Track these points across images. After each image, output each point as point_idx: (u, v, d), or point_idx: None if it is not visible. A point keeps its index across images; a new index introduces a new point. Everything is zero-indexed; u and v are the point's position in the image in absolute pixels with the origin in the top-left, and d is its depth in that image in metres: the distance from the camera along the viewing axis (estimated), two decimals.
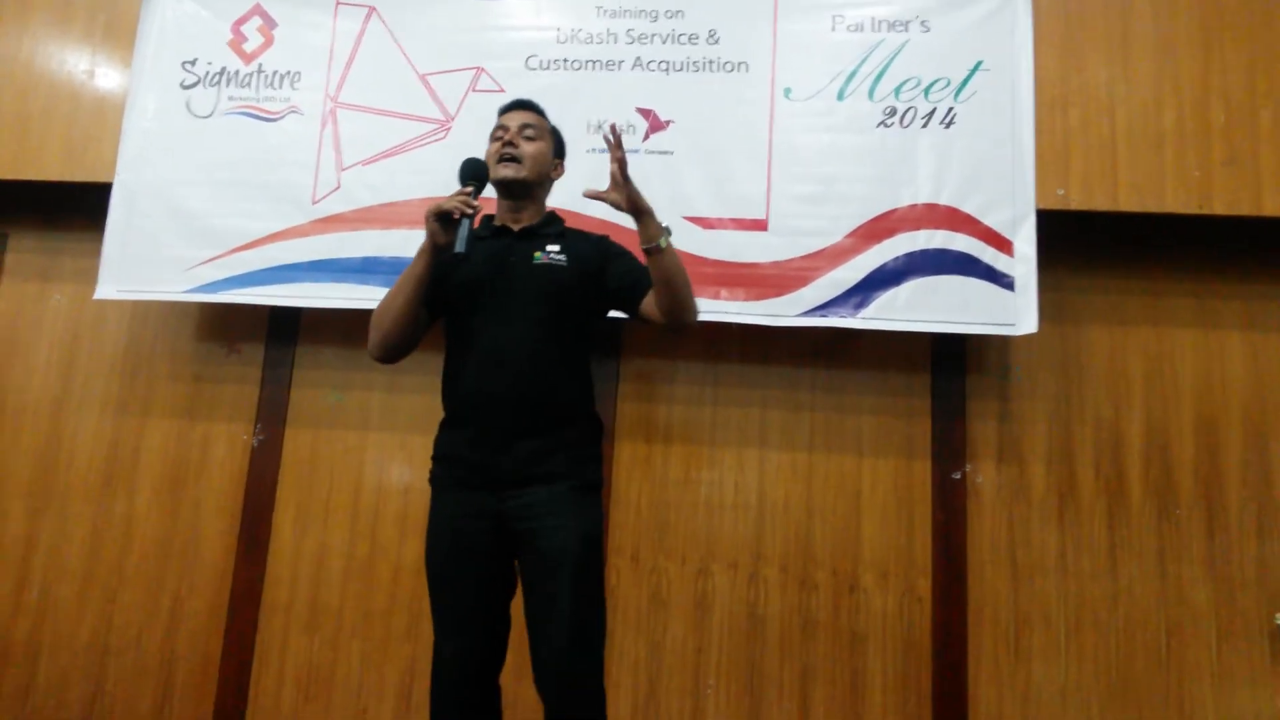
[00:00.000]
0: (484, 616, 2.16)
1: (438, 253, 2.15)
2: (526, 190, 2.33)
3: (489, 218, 2.38)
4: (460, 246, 2.08)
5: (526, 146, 2.31)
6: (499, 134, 2.34)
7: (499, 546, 2.16)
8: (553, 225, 2.37)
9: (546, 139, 2.38)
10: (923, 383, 3.39)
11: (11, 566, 3.52)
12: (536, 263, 2.25)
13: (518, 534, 2.13)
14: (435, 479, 2.26)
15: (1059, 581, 3.22)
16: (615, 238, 2.48)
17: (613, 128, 2.11)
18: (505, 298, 2.21)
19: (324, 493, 3.45)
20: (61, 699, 3.41)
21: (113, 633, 3.44)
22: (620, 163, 2.09)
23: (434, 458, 2.28)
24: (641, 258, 2.17)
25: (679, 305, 2.15)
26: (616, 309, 2.35)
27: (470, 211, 2.10)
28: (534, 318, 2.19)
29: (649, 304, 2.23)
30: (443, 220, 2.12)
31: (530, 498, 2.13)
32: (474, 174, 2.22)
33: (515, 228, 2.33)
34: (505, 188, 2.32)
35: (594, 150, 3.30)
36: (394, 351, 2.27)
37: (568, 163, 3.32)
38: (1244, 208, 3.13)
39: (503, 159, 2.29)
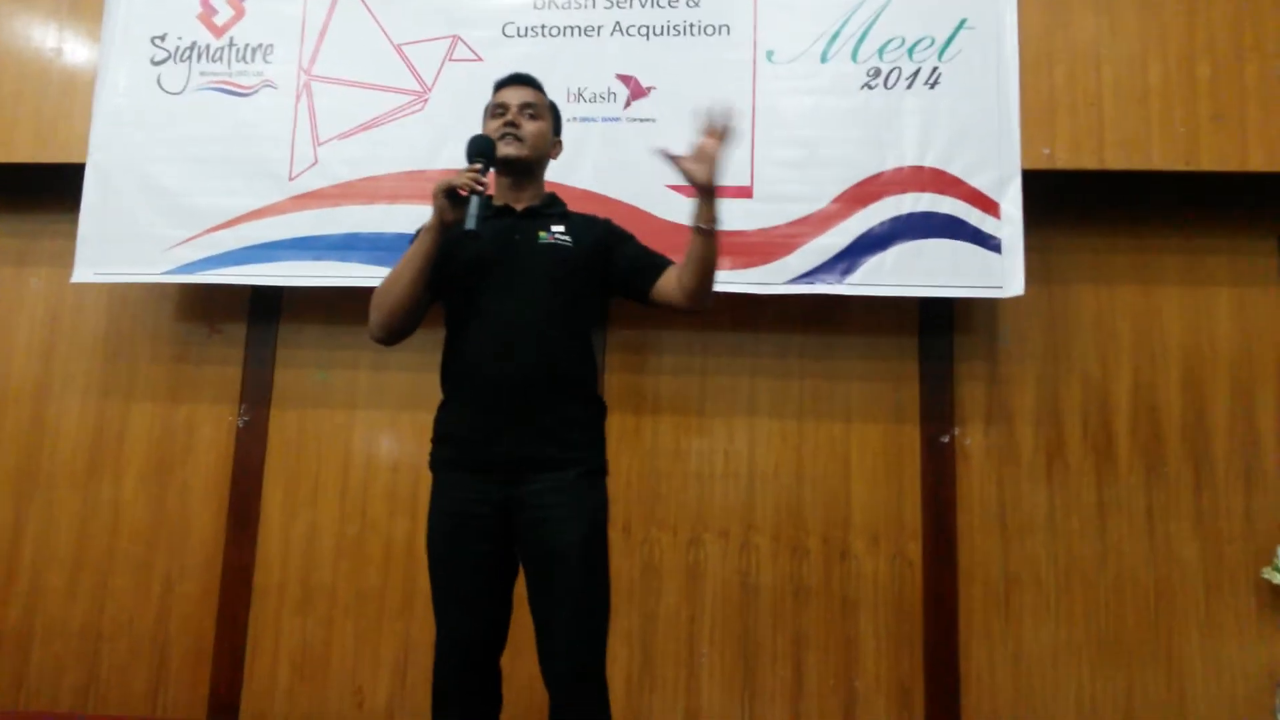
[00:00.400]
0: (485, 601, 2.14)
1: (445, 230, 2.10)
2: (528, 169, 2.29)
3: (488, 197, 2.33)
4: (470, 224, 2.01)
5: (528, 125, 2.26)
6: (499, 111, 2.29)
7: (502, 531, 2.12)
8: (555, 206, 2.33)
9: (547, 117, 2.33)
10: (910, 346, 3.38)
11: (0, 555, 3.50)
12: (542, 242, 2.21)
13: (524, 520, 2.10)
14: (436, 460, 2.21)
15: (1048, 541, 3.24)
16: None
17: (726, 113, 2.09)
18: (511, 276, 2.16)
19: (312, 472, 3.43)
20: (56, 686, 3.41)
21: (105, 618, 3.43)
22: (719, 139, 2.06)
23: (435, 438, 2.23)
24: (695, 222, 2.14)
25: (706, 287, 2.15)
26: (624, 293, 2.31)
27: (480, 188, 2.04)
28: (540, 298, 2.15)
29: (664, 287, 2.21)
30: (451, 197, 2.06)
31: (537, 484, 2.09)
32: (481, 151, 2.15)
33: (518, 207, 2.28)
34: (507, 166, 2.26)
35: (575, 119, 3.25)
36: (397, 334, 2.21)
37: None
38: (1231, 163, 3.11)
39: (504, 137, 2.23)
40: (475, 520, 2.11)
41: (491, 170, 2.18)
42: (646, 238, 3.10)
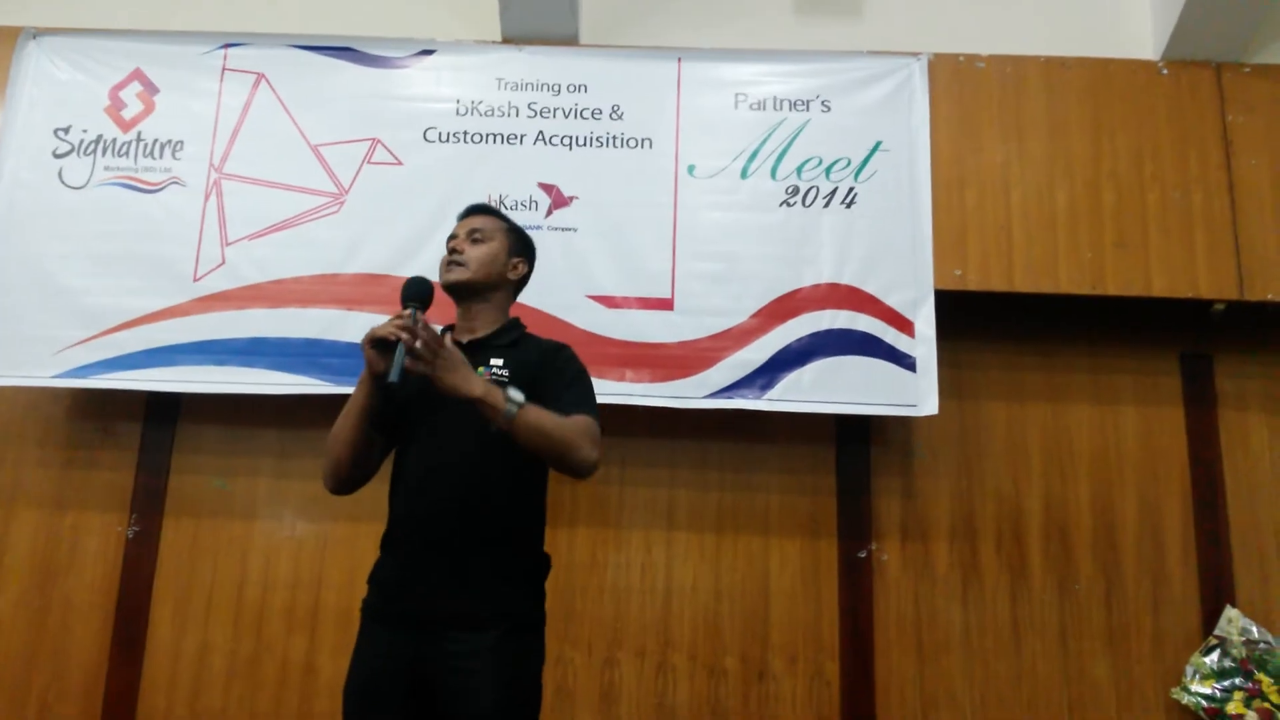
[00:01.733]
0: None
1: (377, 381, 1.98)
2: (475, 293, 2.18)
3: (450, 327, 2.23)
4: (393, 376, 1.87)
5: (471, 250, 2.17)
6: (448, 241, 2.22)
7: (416, 691, 1.96)
8: (507, 335, 2.19)
9: (499, 239, 2.22)
10: (827, 457, 3.38)
11: None
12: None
13: (441, 684, 1.93)
14: (363, 605, 2.08)
15: (964, 660, 3.22)
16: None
17: (411, 314, 1.92)
18: (440, 419, 2.04)
19: (205, 587, 3.24)
20: None
21: None
22: (414, 352, 1.86)
23: (367, 580, 2.10)
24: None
25: (562, 464, 1.97)
26: None
27: (405, 336, 1.88)
28: (471, 439, 2.00)
29: None
30: (378, 347, 1.94)
31: (456, 645, 1.92)
32: (415, 294, 2.01)
33: (465, 339, 2.15)
34: (452, 293, 2.17)
35: None
36: (348, 483, 2.12)
37: None
38: (1135, 288, 3.22)
39: (448, 264, 2.17)
40: (384, 679, 1.96)
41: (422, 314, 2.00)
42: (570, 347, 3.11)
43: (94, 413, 3.39)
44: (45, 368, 3.13)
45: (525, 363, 2.10)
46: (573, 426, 1.96)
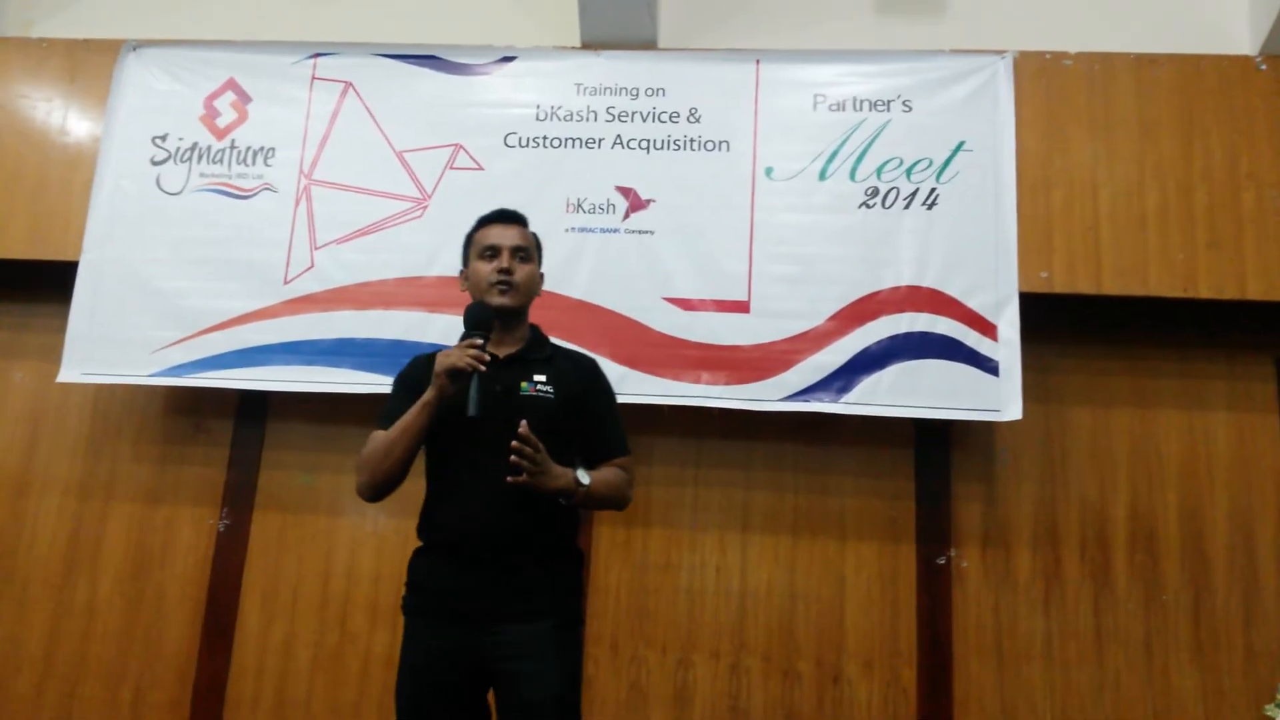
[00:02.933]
0: None
1: (442, 406, 2.07)
2: (519, 316, 2.25)
3: (486, 339, 2.22)
4: (473, 410, 2.01)
5: (521, 271, 2.21)
6: (488, 254, 2.23)
7: (473, 684, 2.06)
8: (539, 349, 2.25)
9: (535, 256, 2.29)
10: (906, 460, 3.34)
11: None
12: (523, 394, 2.14)
13: (496, 674, 2.05)
14: (409, 607, 2.16)
15: (1045, 670, 3.16)
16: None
17: (482, 345, 2.07)
18: (491, 431, 2.07)
19: (292, 580, 3.35)
20: None
21: None
22: (528, 469, 2.00)
23: (408, 584, 2.18)
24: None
25: (615, 509, 2.32)
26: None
27: (483, 368, 2.00)
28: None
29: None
30: (453, 375, 2.03)
31: (511, 636, 2.03)
32: (480, 323, 2.11)
33: (501, 354, 2.20)
34: (500, 315, 2.20)
35: (573, 230, 3.26)
36: (384, 494, 2.19)
37: (547, 241, 3.29)
38: (1228, 291, 3.12)
39: (499, 286, 2.19)
40: (443, 674, 2.05)
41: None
42: (642, 349, 3.16)
43: (188, 410, 3.51)
44: (142, 367, 3.26)
45: (564, 376, 2.22)
46: (620, 482, 2.21)
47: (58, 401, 3.56)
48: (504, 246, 2.22)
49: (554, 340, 2.34)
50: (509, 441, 1.99)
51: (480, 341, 2.05)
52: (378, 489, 2.15)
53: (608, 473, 2.18)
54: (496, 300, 2.18)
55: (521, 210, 3.16)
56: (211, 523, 3.41)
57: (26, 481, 3.52)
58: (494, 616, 2.05)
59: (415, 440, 2.10)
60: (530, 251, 2.27)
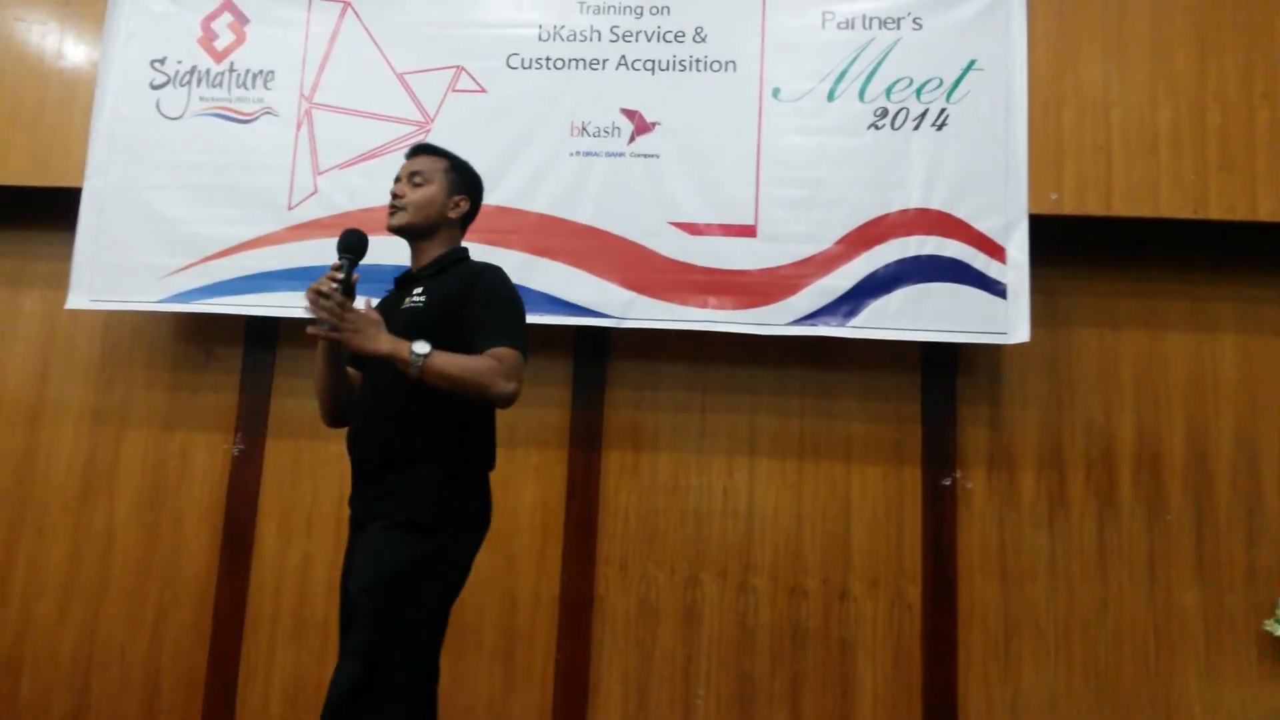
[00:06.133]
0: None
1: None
2: (419, 234, 2.33)
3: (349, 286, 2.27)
4: (324, 327, 2.06)
5: (411, 194, 2.31)
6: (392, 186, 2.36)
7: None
8: (437, 264, 2.32)
9: (438, 180, 2.33)
10: (912, 385, 3.35)
11: None
12: (403, 309, 2.25)
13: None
14: None
15: (1049, 588, 3.21)
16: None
17: (344, 265, 2.11)
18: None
19: (307, 503, 3.40)
20: (46, 713, 3.37)
21: (96, 646, 3.40)
22: (327, 311, 2.04)
23: None
24: None
25: (475, 398, 2.13)
26: None
27: (336, 286, 2.06)
28: (385, 366, 2.12)
29: None
30: (320, 297, 2.08)
31: (360, 540, 2.20)
32: (347, 246, 2.16)
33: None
34: (398, 235, 2.34)
35: (578, 153, 3.23)
36: (339, 414, 2.36)
37: (553, 165, 3.24)
38: (1239, 212, 3.09)
39: (389, 208, 2.32)
40: (344, 582, 2.23)
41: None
42: (648, 274, 3.15)
43: (198, 337, 3.53)
44: (150, 293, 3.26)
45: (446, 289, 2.24)
46: (479, 366, 2.10)
47: (67, 329, 3.58)
48: (401, 176, 2.35)
49: (473, 260, 2.36)
50: (389, 361, 2.08)
51: (341, 264, 2.12)
52: (324, 413, 2.37)
53: (468, 357, 2.11)
54: (388, 223, 2.31)
55: (525, 133, 3.18)
56: (226, 448, 3.45)
57: (40, 409, 3.56)
58: (360, 523, 2.23)
59: (323, 363, 2.27)
60: (429, 176, 2.33)
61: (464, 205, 2.37)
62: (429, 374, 2.05)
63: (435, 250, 2.34)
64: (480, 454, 2.26)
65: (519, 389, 2.13)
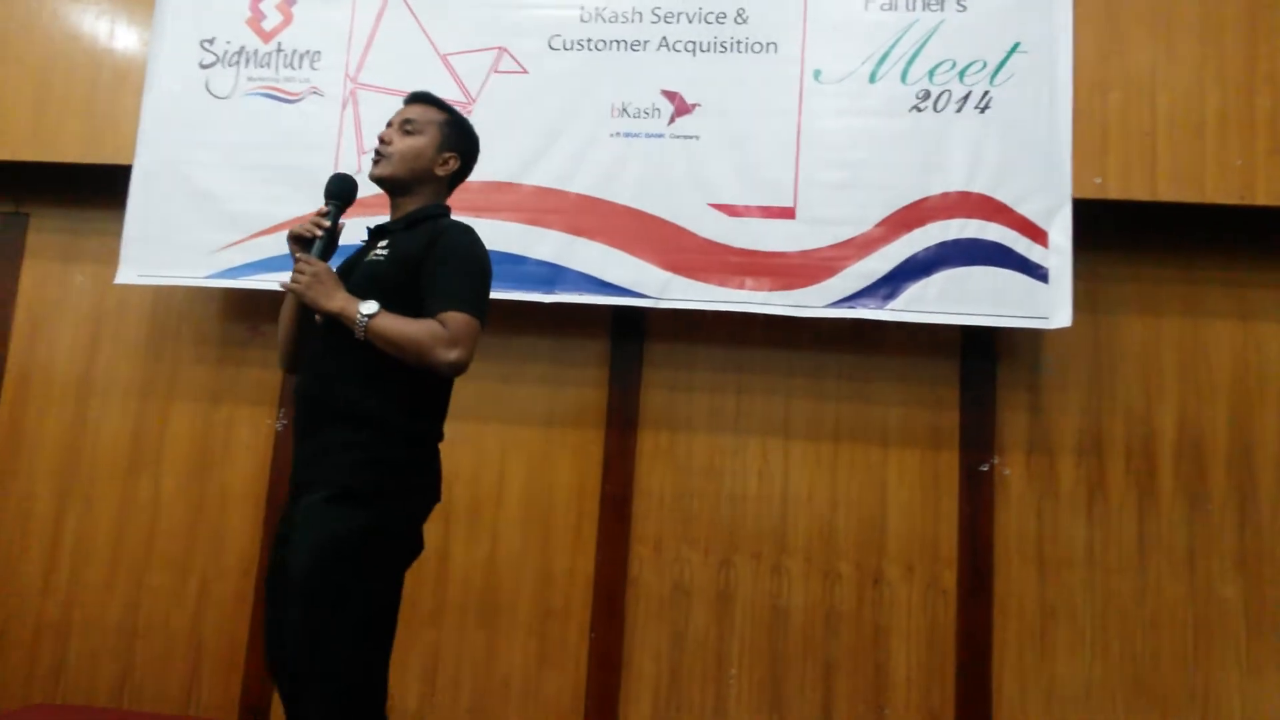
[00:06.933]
0: (277, 632, 2.03)
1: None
2: (401, 188, 2.20)
3: (332, 236, 2.21)
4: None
5: (399, 143, 2.18)
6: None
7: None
8: (407, 219, 2.19)
9: (430, 132, 2.20)
10: (951, 371, 3.33)
11: (40, 549, 3.55)
12: (366, 261, 2.14)
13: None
14: None
15: (1086, 576, 3.19)
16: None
17: (330, 211, 2.11)
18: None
19: None
20: (92, 679, 3.46)
21: (141, 615, 3.47)
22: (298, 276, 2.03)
23: None
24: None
25: (421, 367, 2.01)
26: None
27: (319, 233, 2.04)
28: (334, 333, 2.05)
29: None
30: (302, 243, 2.07)
31: (295, 509, 2.03)
32: (335, 192, 2.14)
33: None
34: (380, 187, 2.21)
35: (619, 135, 3.25)
36: (297, 365, 2.23)
37: (593, 147, 3.24)
38: None
39: (374, 157, 2.20)
40: (278, 544, 2.07)
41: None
42: (686, 255, 3.16)
43: (244, 313, 3.59)
44: (198, 269, 3.33)
45: (410, 246, 2.10)
46: (420, 332, 1.98)
47: (116, 305, 3.66)
48: (393, 121, 2.23)
49: (453, 217, 2.24)
50: (329, 321, 2.03)
51: (327, 209, 2.09)
52: (281, 358, 2.28)
53: (413, 320, 2.00)
54: (371, 172, 2.19)
55: (566, 115, 3.13)
56: (270, 423, 3.52)
57: (89, 383, 3.64)
58: (297, 491, 2.06)
59: (286, 313, 2.20)
60: (420, 126, 2.20)
61: (453, 164, 2.24)
62: (372, 334, 1.97)
63: (411, 203, 2.21)
64: (425, 422, 2.12)
65: (467, 357, 2.00)
